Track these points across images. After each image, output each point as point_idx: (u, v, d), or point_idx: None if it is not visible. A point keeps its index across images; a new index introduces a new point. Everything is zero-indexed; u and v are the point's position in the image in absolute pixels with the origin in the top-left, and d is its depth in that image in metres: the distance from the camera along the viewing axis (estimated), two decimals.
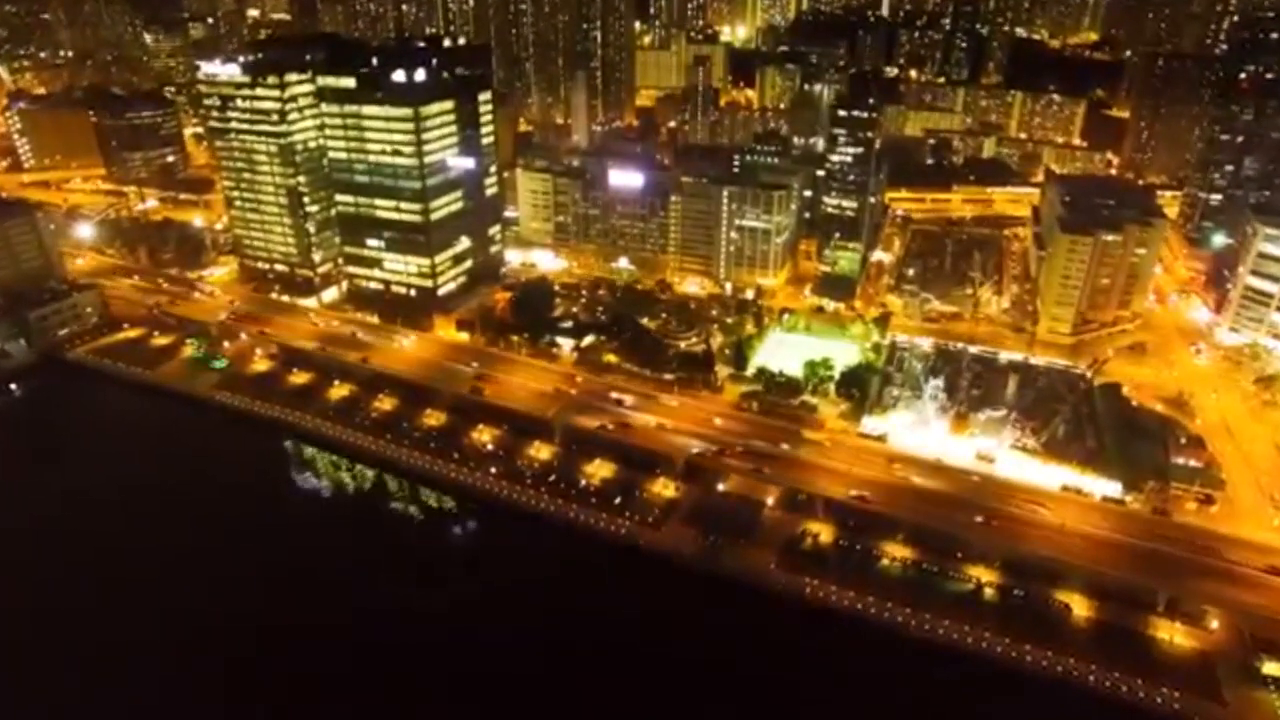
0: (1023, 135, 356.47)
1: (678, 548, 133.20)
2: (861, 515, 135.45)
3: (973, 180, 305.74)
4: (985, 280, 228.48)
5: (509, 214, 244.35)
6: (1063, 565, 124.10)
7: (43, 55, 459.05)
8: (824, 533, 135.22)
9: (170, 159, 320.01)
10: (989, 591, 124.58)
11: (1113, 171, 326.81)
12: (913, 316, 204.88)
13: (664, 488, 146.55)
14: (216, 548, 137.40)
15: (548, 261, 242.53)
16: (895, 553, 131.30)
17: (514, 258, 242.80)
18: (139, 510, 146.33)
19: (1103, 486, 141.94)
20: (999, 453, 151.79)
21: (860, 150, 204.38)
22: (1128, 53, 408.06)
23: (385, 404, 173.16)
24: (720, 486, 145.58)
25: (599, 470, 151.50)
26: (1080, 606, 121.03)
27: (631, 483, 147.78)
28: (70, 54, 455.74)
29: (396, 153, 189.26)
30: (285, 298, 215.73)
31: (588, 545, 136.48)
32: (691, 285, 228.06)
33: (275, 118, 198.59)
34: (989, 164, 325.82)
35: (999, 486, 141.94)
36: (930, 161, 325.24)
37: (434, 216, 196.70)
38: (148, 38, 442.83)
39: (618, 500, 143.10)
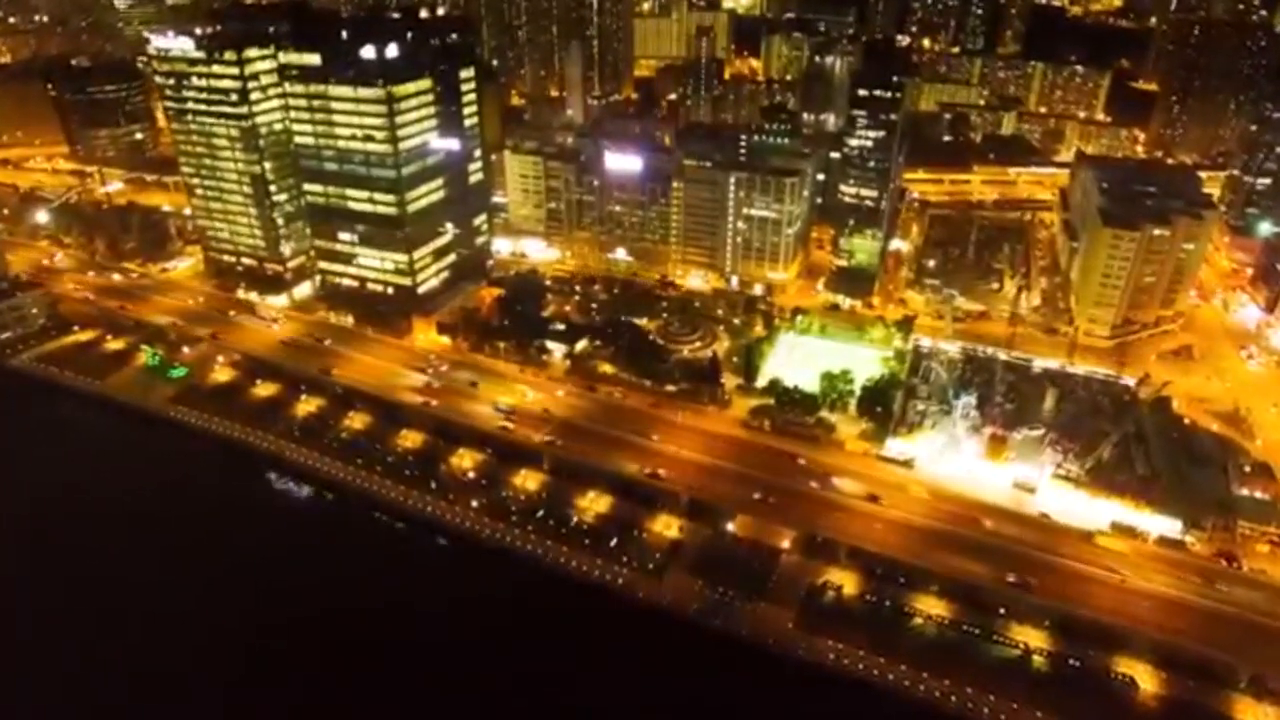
0: (1043, 109, 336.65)
1: (682, 601, 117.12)
2: (889, 563, 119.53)
3: (993, 159, 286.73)
4: (1014, 274, 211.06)
5: (497, 199, 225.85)
6: (1123, 629, 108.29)
7: (13, 20, 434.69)
8: (848, 584, 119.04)
9: (139, 136, 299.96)
10: (1039, 659, 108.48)
11: (1139, 149, 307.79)
12: (944, 315, 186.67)
13: (666, 527, 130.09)
14: (149, 584, 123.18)
15: (539, 251, 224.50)
16: (929, 609, 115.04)
17: (503, 246, 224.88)
18: (66, 528, 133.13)
19: (1159, 524, 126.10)
20: (1040, 482, 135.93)
21: (882, 134, 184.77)
22: (1153, 20, 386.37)
23: (356, 422, 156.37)
24: (729, 526, 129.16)
25: (593, 504, 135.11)
26: (1146, 679, 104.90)
27: (630, 519, 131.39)
28: (45, 19, 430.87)
29: (368, 138, 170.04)
30: (253, 295, 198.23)
31: (579, 595, 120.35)
32: (694, 279, 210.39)
33: (235, 98, 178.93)
34: (1009, 141, 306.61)
35: (1043, 529, 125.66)
36: (947, 138, 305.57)
37: (411, 208, 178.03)
38: (119, 2, 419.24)
39: (614, 541, 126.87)
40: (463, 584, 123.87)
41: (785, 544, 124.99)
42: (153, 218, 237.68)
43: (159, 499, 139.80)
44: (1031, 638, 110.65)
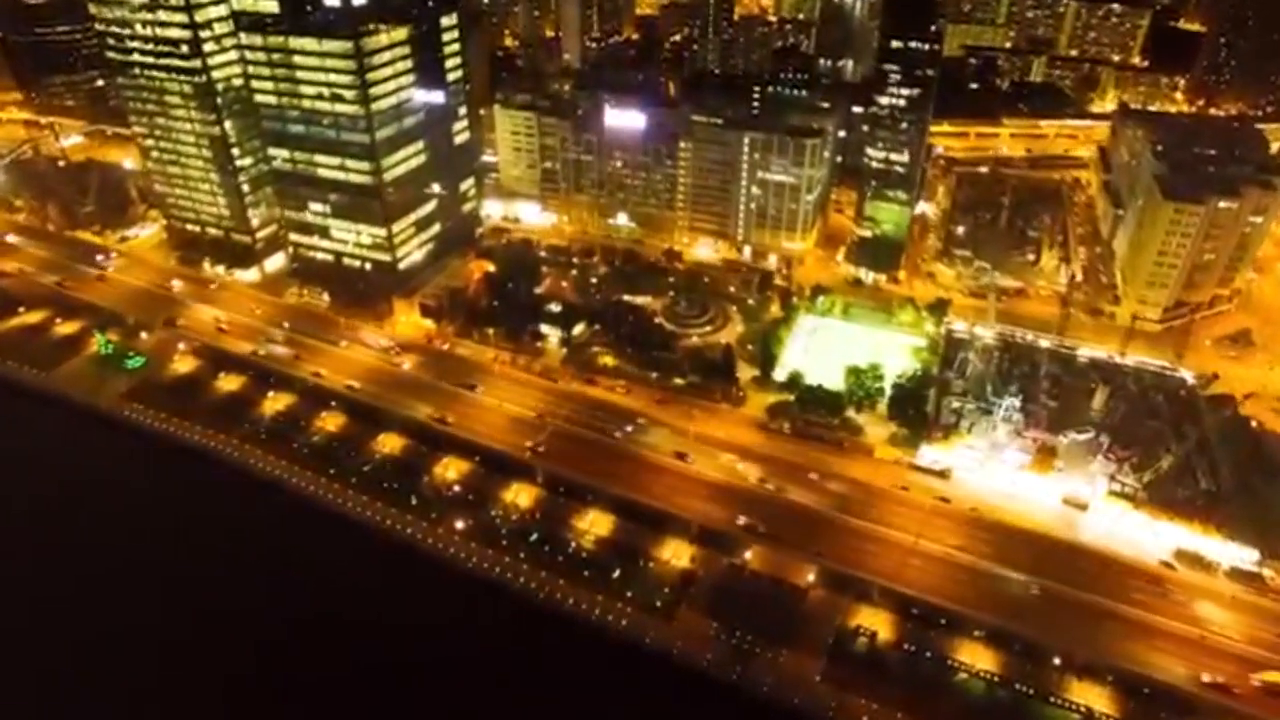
0: (1074, 52, 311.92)
1: (694, 647, 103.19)
2: (927, 604, 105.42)
3: (1023, 110, 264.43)
4: (1052, 244, 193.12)
5: (487, 158, 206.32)
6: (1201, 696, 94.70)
7: None
8: (882, 628, 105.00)
9: (99, 83, 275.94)
10: None
11: (1178, 96, 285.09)
12: (987, 295, 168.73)
13: (675, 555, 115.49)
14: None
15: (533, 216, 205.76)
16: (974, 660, 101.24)
17: (494, 210, 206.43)
18: None
19: (1230, 553, 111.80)
20: (1093, 498, 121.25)
21: (917, 91, 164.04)
22: None
23: (330, 423, 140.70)
24: (747, 555, 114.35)
25: (593, 526, 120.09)
26: None
27: (633, 545, 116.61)
28: None
29: (336, 98, 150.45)
30: (220, 269, 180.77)
31: (575, 639, 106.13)
32: (703, 248, 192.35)
33: (185, 49, 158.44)
34: (1040, 89, 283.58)
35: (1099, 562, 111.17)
36: (973, 86, 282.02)
37: (388, 176, 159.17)
38: None
39: (616, 573, 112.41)
40: (442, 618, 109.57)
41: (810, 578, 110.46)
42: (113, 176, 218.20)
43: (105, 512, 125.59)
44: (1093, 699, 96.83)
